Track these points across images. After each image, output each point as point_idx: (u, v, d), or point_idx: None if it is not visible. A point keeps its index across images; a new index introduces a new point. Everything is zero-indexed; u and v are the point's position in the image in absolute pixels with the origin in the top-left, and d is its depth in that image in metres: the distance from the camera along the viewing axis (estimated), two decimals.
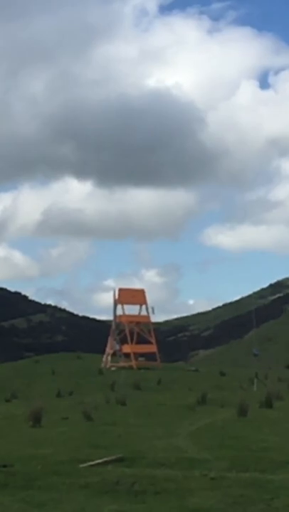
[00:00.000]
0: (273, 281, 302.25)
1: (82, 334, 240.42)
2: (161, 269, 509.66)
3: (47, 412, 23.29)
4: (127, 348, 73.61)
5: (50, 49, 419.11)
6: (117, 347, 73.58)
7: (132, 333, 74.89)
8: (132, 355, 72.45)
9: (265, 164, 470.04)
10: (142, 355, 75.50)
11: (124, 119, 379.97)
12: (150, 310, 76.84)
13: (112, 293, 75.95)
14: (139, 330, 76.48)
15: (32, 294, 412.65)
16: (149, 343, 75.59)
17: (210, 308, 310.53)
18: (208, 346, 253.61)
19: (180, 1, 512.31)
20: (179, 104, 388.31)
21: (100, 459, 14.12)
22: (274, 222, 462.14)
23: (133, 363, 71.02)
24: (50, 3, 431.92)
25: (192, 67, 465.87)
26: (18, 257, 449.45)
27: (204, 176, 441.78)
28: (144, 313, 76.62)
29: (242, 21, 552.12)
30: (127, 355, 73.35)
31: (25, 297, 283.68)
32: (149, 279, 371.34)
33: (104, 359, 72.64)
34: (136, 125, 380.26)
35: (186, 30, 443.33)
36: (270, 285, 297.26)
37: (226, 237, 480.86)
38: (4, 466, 13.56)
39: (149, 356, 75.67)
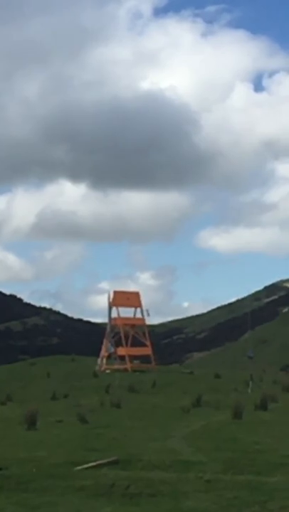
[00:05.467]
0: (268, 283, 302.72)
1: (77, 337, 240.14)
2: (156, 271, 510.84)
3: (42, 414, 23.28)
4: (121, 351, 73.55)
5: (44, 51, 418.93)
6: (112, 349, 73.48)
7: (126, 336, 74.85)
8: (126, 358, 72.41)
9: (260, 166, 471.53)
10: (136, 357, 75.48)
11: (119, 122, 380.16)
12: (145, 312, 76.84)
13: (106, 295, 75.96)
14: (134, 332, 76.46)
15: (27, 297, 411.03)
16: (144, 345, 75.56)
17: (205, 311, 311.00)
18: (203, 348, 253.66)
19: (174, 3, 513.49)
20: (174, 107, 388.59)
21: (95, 461, 14.13)
22: (268, 225, 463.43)
23: (128, 365, 70.98)
24: (44, 6, 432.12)
25: (186, 70, 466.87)
26: (12, 259, 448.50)
27: (199, 178, 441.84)
28: (139, 315, 76.56)
29: (236, 24, 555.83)
30: (121, 358, 73.29)
31: (20, 300, 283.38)
32: (143, 282, 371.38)
33: (99, 362, 72.55)
34: (130, 127, 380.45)
35: (180, 33, 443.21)
36: (265, 287, 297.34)
37: (220, 240, 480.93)
38: None
39: (144, 359, 75.62)
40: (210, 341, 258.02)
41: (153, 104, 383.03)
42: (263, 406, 27.06)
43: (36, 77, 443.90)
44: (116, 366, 70.62)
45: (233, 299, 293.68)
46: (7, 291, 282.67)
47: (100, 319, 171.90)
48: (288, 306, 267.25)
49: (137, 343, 76.55)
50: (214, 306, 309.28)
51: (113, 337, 74.69)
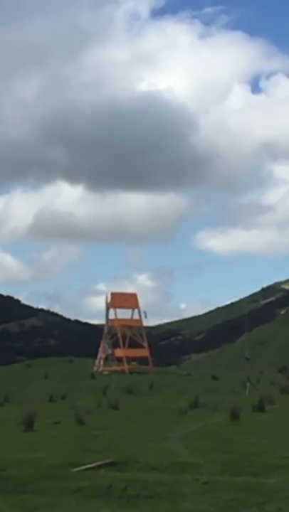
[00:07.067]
0: (265, 285, 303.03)
1: (75, 338, 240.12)
2: (153, 272, 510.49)
3: (39, 416, 23.25)
4: (119, 352, 73.49)
5: (42, 52, 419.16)
6: (110, 351, 73.46)
7: (124, 337, 74.81)
8: (124, 359, 72.34)
9: (257, 168, 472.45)
10: (134, 359, 75.41)
11: (116, 123, 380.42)
12: (142, 314, 76.78)
13: (104, 297, 75.90)
14: (132, 334, 76.40)
15: (24, 298, 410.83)
16: (142, 347, 75.50)
17: (202, 312, 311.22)
18: (200, 350, 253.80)
19: (172, 5, 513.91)
20: (171, 108, 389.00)
21: (93, 463, 14.13)
22: (266, 226, 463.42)
23: (125, 367, 70.93)
24: (42, 7, 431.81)
25: (184, 71, 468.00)
26: (10, 260, 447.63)
27: (196, 180, 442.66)
28: (136, 317, 76.51)
29: (234, 26, 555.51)
30: (119, 360, 73.23)
31: (17, 301, 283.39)
32: (141, 283, 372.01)
33: (96, 363, 72.52)
34: (128, 129, 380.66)
35: (177, 35, 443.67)
36: (262, 289, 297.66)
37: (217, 241, 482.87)
38: None
39: (142, 360, 75.55)
40: (207, 343, 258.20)
41: (151, 106, 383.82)
42: (260, 407, 27.05)
43: (34, 78, 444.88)
44: (113, 368, 70.61)
45: (230, 301, 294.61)
46: (4, 293, 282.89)
47: (98, 321, 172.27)
48: (286, 308, 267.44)
49: (134, 344, 76.49)
50: (212, 308, 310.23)
51: (110, 338, 74.65)
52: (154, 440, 18.38)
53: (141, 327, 77.49)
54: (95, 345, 79.27)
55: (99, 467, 13.79)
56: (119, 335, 74.02)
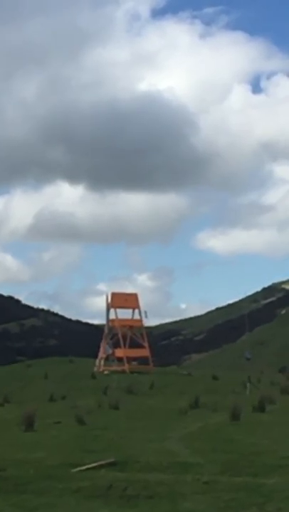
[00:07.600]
0: (266, 285, 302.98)
1: (75, 338, 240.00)
2: (153, 272, 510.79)
3: (40, 416, 23.26)
4: (119, 352, 73.52)
5: (42, 52, 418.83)
6: (110, 351, 73.48)
7: (124, 337, 74.84)
8: (124, 359, 72.35)
9: (257, 168, 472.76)
10: (134, 359, 75.43)
11: (117, 123, 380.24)
12: (143, 314, 76.80)
13: (104, 297, 75.93)
14: (132, 334, 76.43)
15: (24, 298, 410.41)
16: (142, 347, 75.52)
17: (202, 312, 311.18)
18: (200, 350, 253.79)
19: (172, 5, 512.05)
20: (171, 108, 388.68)
21: (93, 463, 14.12)
22: (266, 226, 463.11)
23: (126, 367, 70.95)
24: (42, 7, 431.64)
25: (184, 71, 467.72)
26: (10, 260, 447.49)
27: (196, 180, 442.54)
28: (136, 317, 76.56)
29: (234, 26, 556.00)
30: (119, 359, 73.25)
31: (17, 301, 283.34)
32: (141, 283, 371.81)
33: (97, 363, 72.52)
34: (128, 129, 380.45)
35: (178, 34, 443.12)
36: (263, 289, 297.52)
37: (218, 241, 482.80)
38: None
39: (142, 360, 75.58)
40: (208, 343, 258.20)
41: (151, 106, 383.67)
42: (260, 407, 27.03)
43: (34, 78, 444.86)
44: (114, 368, 70.62)
45: (230, 301, 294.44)
46: (5, 293, 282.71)
47: (98, 321, 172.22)
48: (286, 308, 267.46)
49: (134, 344, 76.51)
50: (212, 308, 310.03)
51: (111, 338, 74.67)
52: (154, 440, 18.38)
53: (141, 327, 77.51)
54: (95, 345, 79.27)
55: (99, 467, 13.79)
56: (119, 335, 74.04)
